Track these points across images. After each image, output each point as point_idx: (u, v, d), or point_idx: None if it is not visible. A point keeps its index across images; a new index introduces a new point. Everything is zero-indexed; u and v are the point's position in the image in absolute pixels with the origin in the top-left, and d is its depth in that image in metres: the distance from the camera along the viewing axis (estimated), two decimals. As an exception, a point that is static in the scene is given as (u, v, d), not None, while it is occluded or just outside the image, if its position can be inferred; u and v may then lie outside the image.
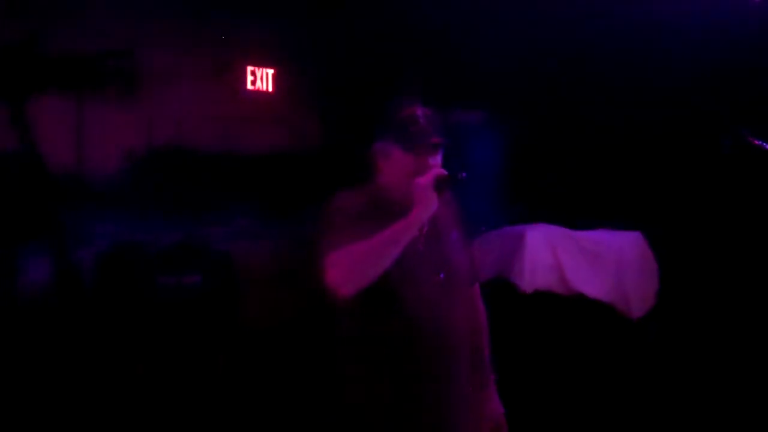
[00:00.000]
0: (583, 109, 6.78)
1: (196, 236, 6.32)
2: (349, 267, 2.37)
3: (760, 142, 3.42)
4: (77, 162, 5.86)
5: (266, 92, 6.84)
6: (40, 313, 5.61)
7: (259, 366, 5.96)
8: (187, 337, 5.54)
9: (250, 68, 6.76)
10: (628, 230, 6.05)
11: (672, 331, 5.84)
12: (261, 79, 6.81)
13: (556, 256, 5.60)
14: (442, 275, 2.59)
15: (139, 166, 6.25)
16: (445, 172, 2.48)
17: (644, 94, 6.34)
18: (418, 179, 2.44)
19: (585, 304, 5.61)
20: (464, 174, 2.49)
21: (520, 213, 6.50)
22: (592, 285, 5.69)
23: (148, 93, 6.23)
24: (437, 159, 2.59)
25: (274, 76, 6.86)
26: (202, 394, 5.46)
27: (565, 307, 5.55)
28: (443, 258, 2.62)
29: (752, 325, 5.55)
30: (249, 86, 6.76)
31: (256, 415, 5.35)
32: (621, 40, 6.20)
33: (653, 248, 6.00)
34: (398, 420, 2.51)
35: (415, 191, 2.43)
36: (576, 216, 6.16)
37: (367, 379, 2.55)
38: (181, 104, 6.37)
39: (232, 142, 6.71)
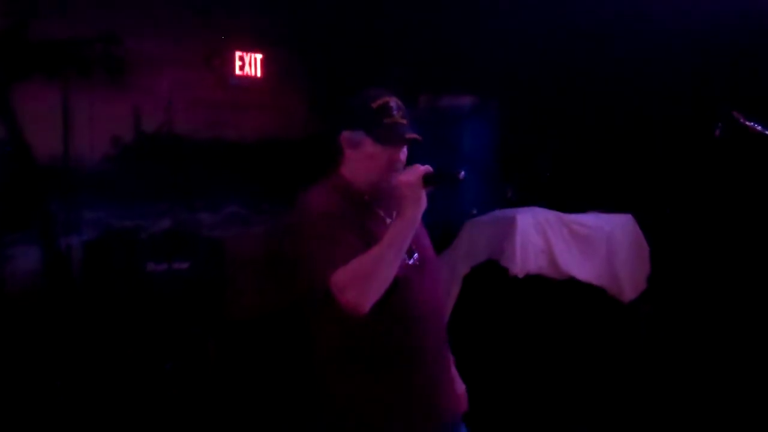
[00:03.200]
0: (574, 93, 6.77)
1: (185, 223, 6.31)
2: (363, 285, 2.31)
3: (752, 124, 3.41)
4: (65, 149, 5.81)
5: (254, 77, 6.80)
6: (29, 301, 5.59)
7: (249, 352, 5.96)
8: (177, 324, 5.53)
9: (238, 53, 6.72)
10: (619, 213, 6.05)
11: (663, 313, 5.85)
12: (249, 64, 6.76)
13: (547, 240, 5.59)
14: (414, 259, 2.57)
15: (127, 152, 6.23)
16: (431, 168, 2.41)
17: (636, 78, 6.33)
18: (402, 177, 2.39)
19: (576, 287, 5.61)
20: (463, 173, 2.43)
21: (511, 197, 6.50)
22: (583, 268, 5.69)
23: (136, 79, 6.20)
24: (405, 151, 2.55)
25: (262, 61, 6.82)
26: (191, 380, 5.45)
27: (557, 291, 5.55)
28: (414, 242, 2.54)
29: (744, 308, 5.56)
30: (237, 72, 6.72)
31: (246, 402, 5.34)
32: (612, 25, 6.19)
33: (644, 231, 6.00)
34: (387, 401, 2.49)
35: (404, 190, 2.37)
36: (567, 199, 6.15)
37: (353, 365, 2.51)
38: (169, 90, 6.33)
39: (220, 128, 6.69)
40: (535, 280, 5.46)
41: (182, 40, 6.37)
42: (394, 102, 2.54)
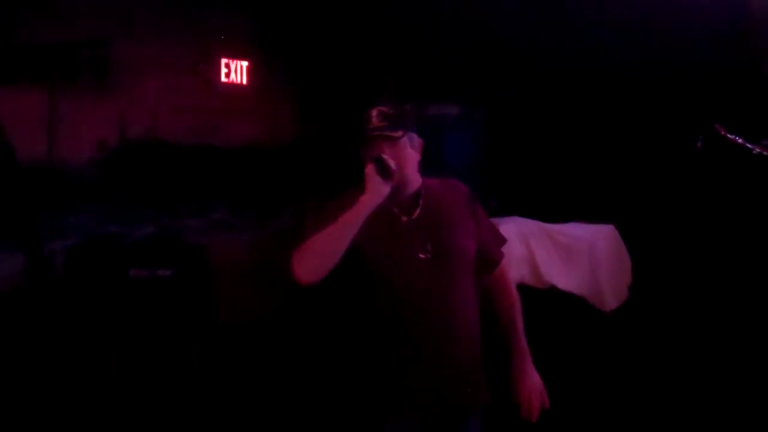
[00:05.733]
0: (556, 102, 6.81)
1: (169, 229, 6.30)
2: (308, 257, 2.53)
3: (733, 136, 3.46)
4: (49, 154, 5.80)
5: (240, 85, 6.80)
6: (11, 306, 5.56)
7: (234, 359, 5.95)
8: (161, 331, 5.51)
9: (224, 60, 6.72)
10: (602, 223, 6.09)
11: (644, 323, 5.88)
12: (235, 71, 6.76)
13: (530, 250, 5.62)
14: (427, 254, 2.66)
15: (113, 158, 6.21)
16: (382, 156, 2.58)
17: (619, 89, 6.37)
18: (368, 170, 2.58)
19: (558, 297, 5.64)
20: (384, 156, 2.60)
21: (495, 206, 6.53)
22: (565, 278, 5.72)
23: (122, 84, 6.18)
24: (401, 151, 2.68)
25: (248, 68, 6.82)
26: (175, 387, 5.43)
27: (539, 300, 5.57)
28: (436, 238, 2.69)
29: (725, 317, 5.60)
30: (223, 78, 6.72)
31: (230, 407, 5.34)
32: (596, 35, 6.23)
33: (626, 241, 6.04)
34: (390, 397, 2.62)
35: (368, 182, 2.57)
36: (550, 209, 6.18)
37: (357, 357, 2.68)
38: (154, 96, 6.33)
39: (206, 135, 6.68)
40: (516, 289, 5.49)
41: (169, 46, 6.36)
42: (377, 110, 2.70)
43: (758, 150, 3.42)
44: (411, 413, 2.63)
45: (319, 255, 2.51)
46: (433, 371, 2.63)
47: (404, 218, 2.71)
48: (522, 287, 5.51)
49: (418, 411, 2.63)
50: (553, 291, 5.61)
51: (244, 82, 6.81)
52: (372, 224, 2.58)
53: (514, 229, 5.59)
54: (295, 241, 2.56)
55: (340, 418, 2.70)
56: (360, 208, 2.53)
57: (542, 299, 5.59)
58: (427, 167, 2.79)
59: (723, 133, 3.47)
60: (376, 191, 2.55)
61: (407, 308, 2.61)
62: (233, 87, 6.75)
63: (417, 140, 2.79)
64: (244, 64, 6.80)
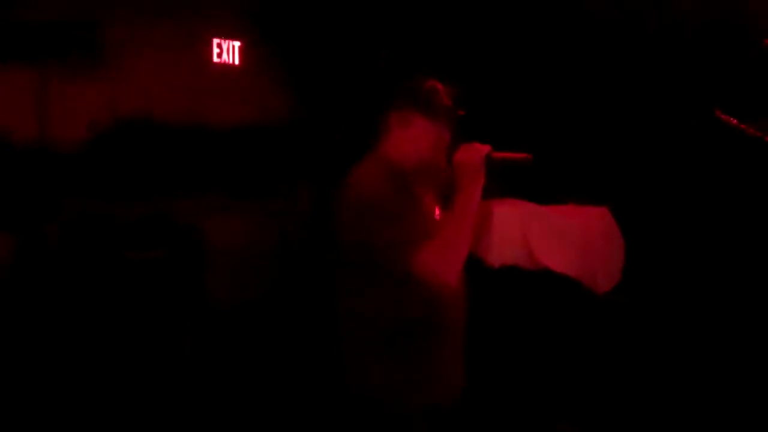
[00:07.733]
0: (550, 82, 6.79)
1: (162, 210, 6.28)
2: (449, 262, 2.48)
3: (728, 117, 3.45)
4: (41, 134, 5.78)
5: (233, 65, 6.77)
6: (3, 289, 5.55)
7: (227, 341, 5.95)
8: (154, 312, 5.51)
9: (216, 40, 6.69)
10: (595, 205, 6.08)
11: (638, 306, 5.89)
12: (227, 51, 6.74)
13: (524, 231, 5.59)
14: None
15: (105, 138, 6.19)
16: (490, 148, 2.63)
17: (614, 68, 6.36)
18: (462, 156, 2.57)
19: (551, 278, 5.63)
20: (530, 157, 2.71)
21: (488, 188, 6.51)
22: (558, 260, 5.69)
23: (113, 64, 6.17)
24: (453, 130, 2.71)
25: (240, 48, 6.79)
26: (168, 369, 5.44)
27: (532, 282, 5.57)
28: None
29: (719, 300, 5.61)
30: (215, 59, 6.69)
31: (222, 392, 5.34)
32: (593, 12, 6.21)
33: (620, 223, 6.03)
34: (414, 376, 2.58)
35: (464, 168, 2.57)
36: (544, 190, 6.17)
37: (389, 341, 2.57)
38: (146, 76, 6.30)
39: (198, 115, 6.66)
40: (510, 271, 5.49)
41: (160, 26, 6.34)
42: (440, 85, 2.71)
43: (753, 131, 3.41)
44: (434, 398, 2.62)
45: (459, 256, 2.51)
46: (456, 355, 2.68)
47: (437, 208, 2.75)
48: (515, 269, 5.51)
49: (442, 398, 2.64)
50: (546, 273, 5.60)
51: (237, 62, 6.78)
52: (409, 209, 2.56)
53: (508, 211, 5.57)
54: (406, 248, 2.42)
55: (338, 403, 2.67)
56: (474, 199, 2.61)
57: (536, 281, 5.59)
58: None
59: (718, 113, 3.46)
60: (478, 181, 2.63)
61: (439, 302, 2.58)
62: (225, 67, 6.73)
63: None
64: (236, 44, 6.77)
